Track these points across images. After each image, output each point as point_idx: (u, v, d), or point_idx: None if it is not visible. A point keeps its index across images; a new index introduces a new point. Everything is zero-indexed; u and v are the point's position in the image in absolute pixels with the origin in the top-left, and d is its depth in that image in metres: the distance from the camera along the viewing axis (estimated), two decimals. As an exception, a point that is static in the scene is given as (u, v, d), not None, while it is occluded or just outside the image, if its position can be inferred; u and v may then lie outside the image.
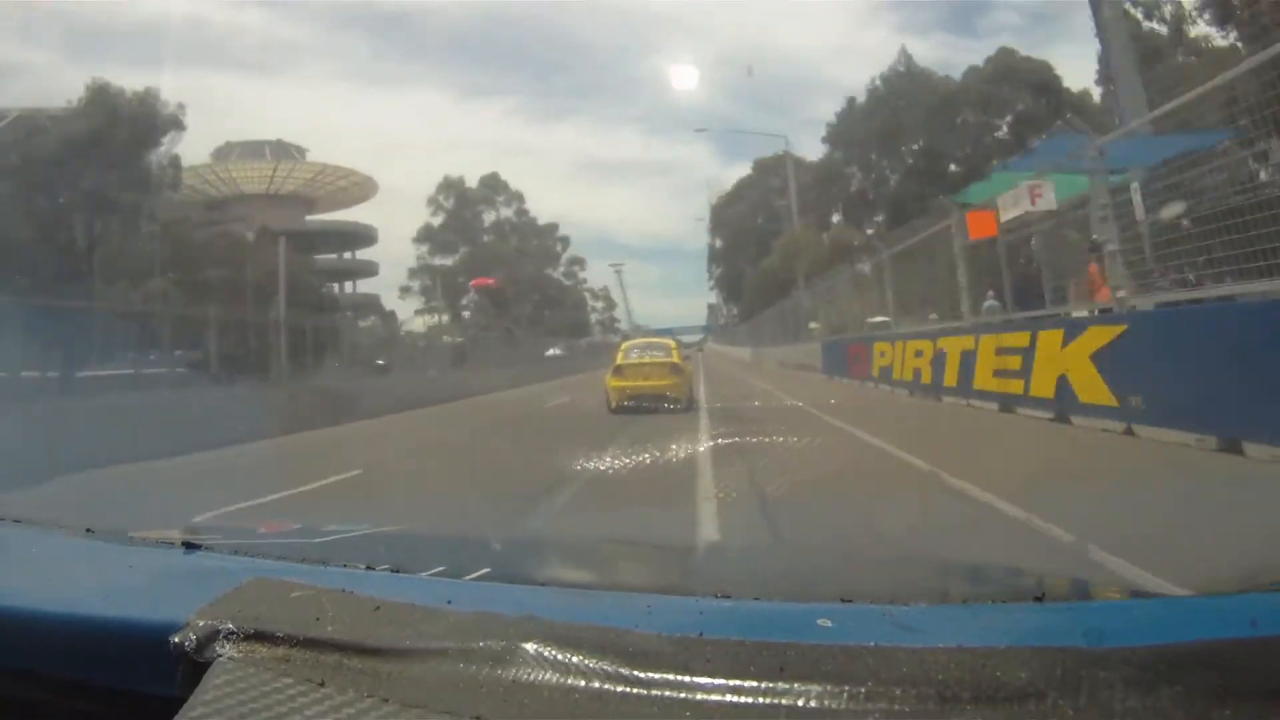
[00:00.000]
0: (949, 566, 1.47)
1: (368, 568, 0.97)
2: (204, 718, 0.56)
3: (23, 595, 0.82)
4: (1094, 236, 7.72)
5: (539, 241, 49.83)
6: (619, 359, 11.30)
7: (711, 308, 69.03)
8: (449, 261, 46.45)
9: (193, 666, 0.63)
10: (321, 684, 0.58)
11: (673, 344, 11.73)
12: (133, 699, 0.70)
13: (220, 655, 0.62)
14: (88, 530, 1.15)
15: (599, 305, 60.91)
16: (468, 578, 1.00)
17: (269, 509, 5.11)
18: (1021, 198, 9.02)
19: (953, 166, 32.45)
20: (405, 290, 43.22)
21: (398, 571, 0.99)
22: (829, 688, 0.52)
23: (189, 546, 1.06)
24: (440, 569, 1.04)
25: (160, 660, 0.65)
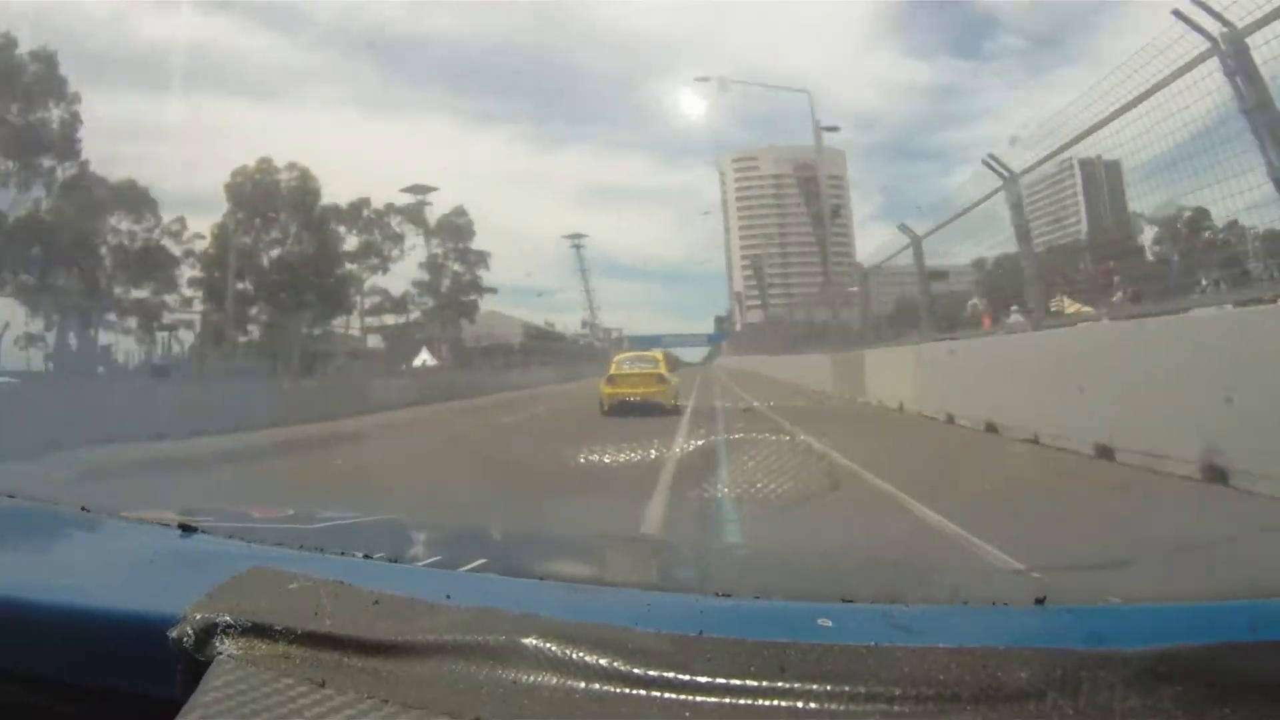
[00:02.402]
0: (949, 567, 1.47)
1: (365, 557, 0.97)
2: (204, 719, 0.56)
3: (13, 585, 0.81)
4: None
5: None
6: (612, 369, 13.04)
7: (719, 320, 59.85)
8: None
9: (191, 663, 0.62)
10: (322, 684, 0.58)
11: (660, 356, 13.84)
12: (127, 698, 0.70)
13: (219, 652, 0.62)
14: (83, 509, 1.15)
15: (438, 248, 31.00)
16: (465, 569, 1.00)
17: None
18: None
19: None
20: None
21: (395, 561, 0.99)
22: (830, 687, 0.52)
23: (185, 529, 1.05)
24: (437, 559, 1.04)
25: (156, 653, 0.64)
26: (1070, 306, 7.71)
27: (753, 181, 74.14)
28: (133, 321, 22.75)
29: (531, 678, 0.55)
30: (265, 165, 26.74)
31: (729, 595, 0.80)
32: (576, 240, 57.63)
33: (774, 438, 8.27)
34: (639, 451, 6.94)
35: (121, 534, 1.09)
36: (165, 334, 23.80)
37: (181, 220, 24.79)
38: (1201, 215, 6.12)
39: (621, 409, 11.64)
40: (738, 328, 55.96)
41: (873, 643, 0.57)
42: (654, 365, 13.01)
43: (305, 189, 26.95)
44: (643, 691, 0.54)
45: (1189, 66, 5.15)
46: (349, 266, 28.96)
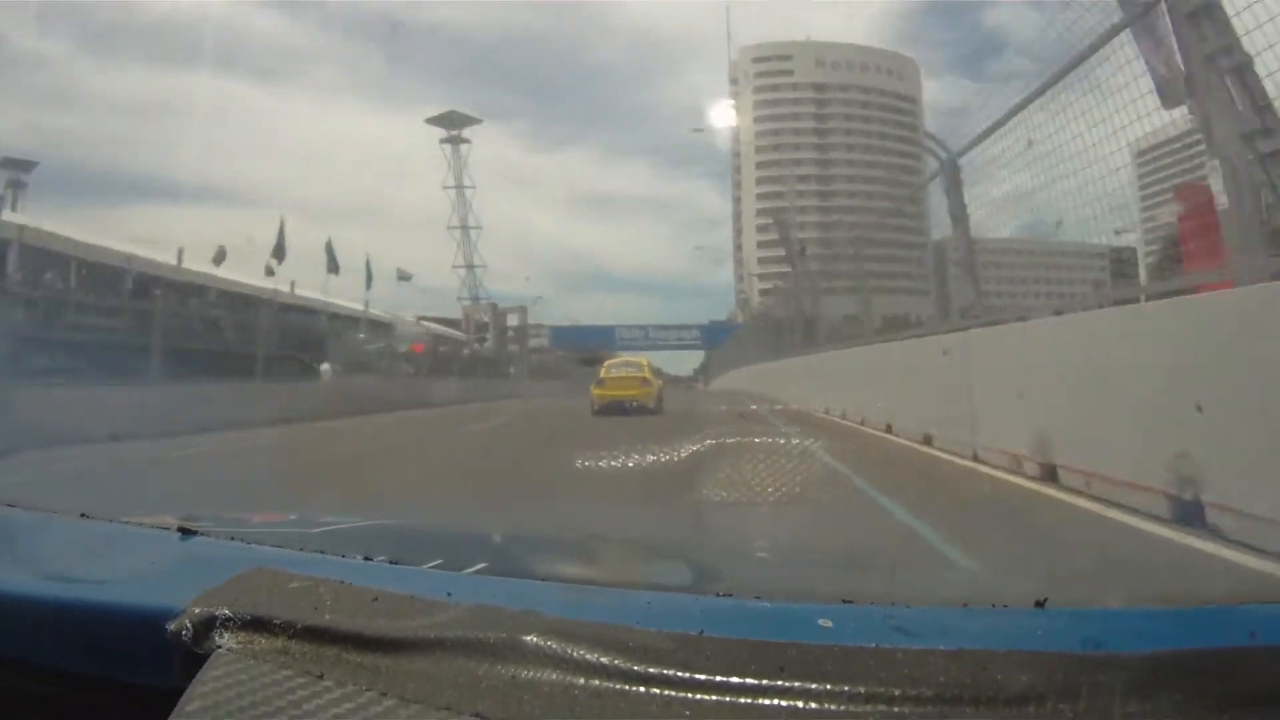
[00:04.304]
0: (950, 569, 1.47)
1: (365, 559, 0.97)
2: (203, 710, 0.56)
3: (15, 581, 0.82)
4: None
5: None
6: (601, 374, 14.88)
7: (708, 328, 37.13)
8: None
9: (190, 656, 0.63)
10: (321, 677, 0.58)
11: (644, 362, 15.64)
12: (127, 688, 0.70)
13: (218, 645, 0.62)
14: (82, 515, 1.15)
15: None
16: (466, 571, 1.00)
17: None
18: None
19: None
20: None
21: (395, 563, 0.99)
22: (829, 688, 0.53)
23: (185, 532, 1.06)
24: (438, 561, 1.04)
25: (156, 649, 0.64)
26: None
27: (783, 92, 47.30)
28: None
29: (531, 674, 0.56)
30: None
31: (730, 595, 0.80)
32: (452, 131, 32.91)
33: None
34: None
35: (122, 537, 1.10)
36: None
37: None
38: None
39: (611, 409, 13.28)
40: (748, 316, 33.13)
41: (873, 644, 0.57)
42: (639, 370, 15.12)
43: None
44: (643, 689, 0.54)
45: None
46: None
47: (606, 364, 16.07)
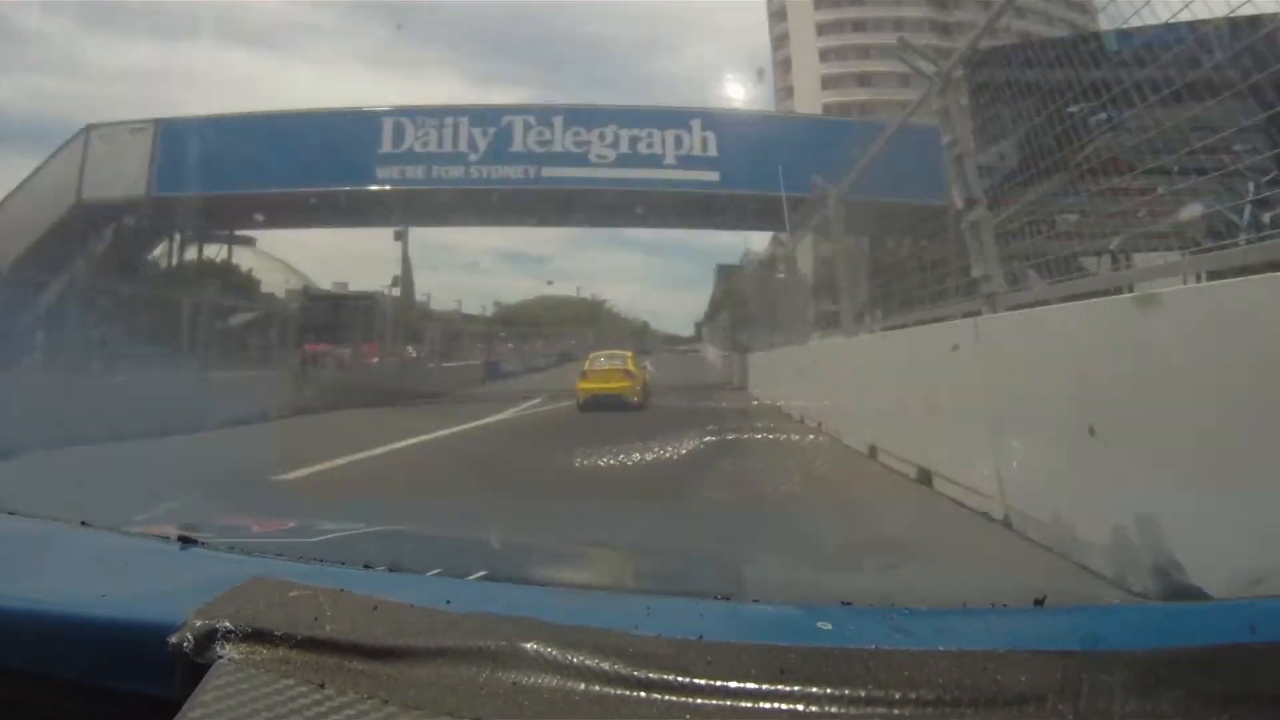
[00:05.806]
0: (949, 569, 1.47)
1: (365, 567, 0.97)
2: (204, 719, 0.56)
3: (16, 591, 0.81)
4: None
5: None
6: (586, 366, 14.96)
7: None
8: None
9: (191, 667, 0.62)
10: (322, 685, 0.58)
11: (629, 355, 15.80)
12: (128, 699, 0.70)
13: (220, 657, 0.62)
14: (83, 523, 1.15)
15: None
16: (466, 579, 1.00)
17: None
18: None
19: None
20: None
21: (395, 571, 0.99)
22: (829, 690, 0.53)
23: (185, 542, 1.06)
24: (438, 570, 1.04)
25: (157, 660, 0.64)
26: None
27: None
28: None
29: (532, 680, 0.55)
30: None
31: (729, 599, 0.80)
32: None
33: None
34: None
35: (123, 547, 1.09)
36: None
37: None
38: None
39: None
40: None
41: (873, 646, 0.57)
42: (623, 363, 15.23)
43: None
44: (643, 694, 0.54)
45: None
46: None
47: (590, 357, 16.21)
